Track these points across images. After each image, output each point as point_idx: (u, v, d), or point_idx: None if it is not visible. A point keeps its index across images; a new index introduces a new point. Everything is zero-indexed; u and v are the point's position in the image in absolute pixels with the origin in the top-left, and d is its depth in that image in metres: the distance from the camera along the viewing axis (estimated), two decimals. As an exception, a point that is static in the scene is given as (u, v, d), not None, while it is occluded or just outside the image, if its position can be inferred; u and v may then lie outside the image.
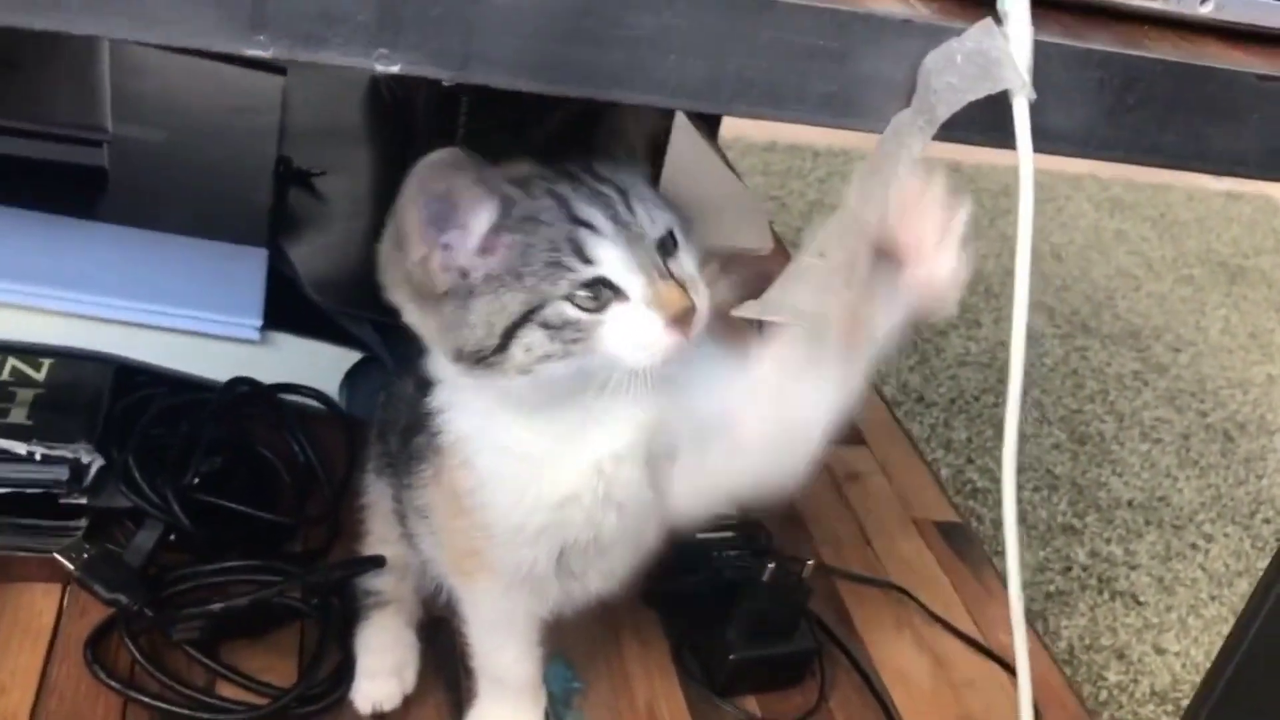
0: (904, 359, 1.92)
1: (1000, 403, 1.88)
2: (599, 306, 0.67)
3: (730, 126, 2.16)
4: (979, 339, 2.05)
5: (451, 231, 0.67)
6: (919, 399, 1.84)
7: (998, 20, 0.54)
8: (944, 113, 0.55)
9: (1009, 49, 0.53)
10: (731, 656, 0.95)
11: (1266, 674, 0.81)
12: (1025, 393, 1.90)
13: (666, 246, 0.70)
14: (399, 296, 0.71)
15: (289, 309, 1.07)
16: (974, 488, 1.67)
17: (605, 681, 0.96)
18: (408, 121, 1.36)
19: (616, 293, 0.67)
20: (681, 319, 0.67)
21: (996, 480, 1.70)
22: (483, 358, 0.69)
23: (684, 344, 0.68)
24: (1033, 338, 2.08)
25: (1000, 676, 1.04)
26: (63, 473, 0.92)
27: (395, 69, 0.50)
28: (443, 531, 0.82)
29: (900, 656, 1.04)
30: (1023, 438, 1.78)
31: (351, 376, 1.08)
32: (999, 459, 1.72)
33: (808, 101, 0.55)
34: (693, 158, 1.56)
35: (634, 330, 0.67)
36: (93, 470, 0.94)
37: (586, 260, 0.67)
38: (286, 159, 1.25)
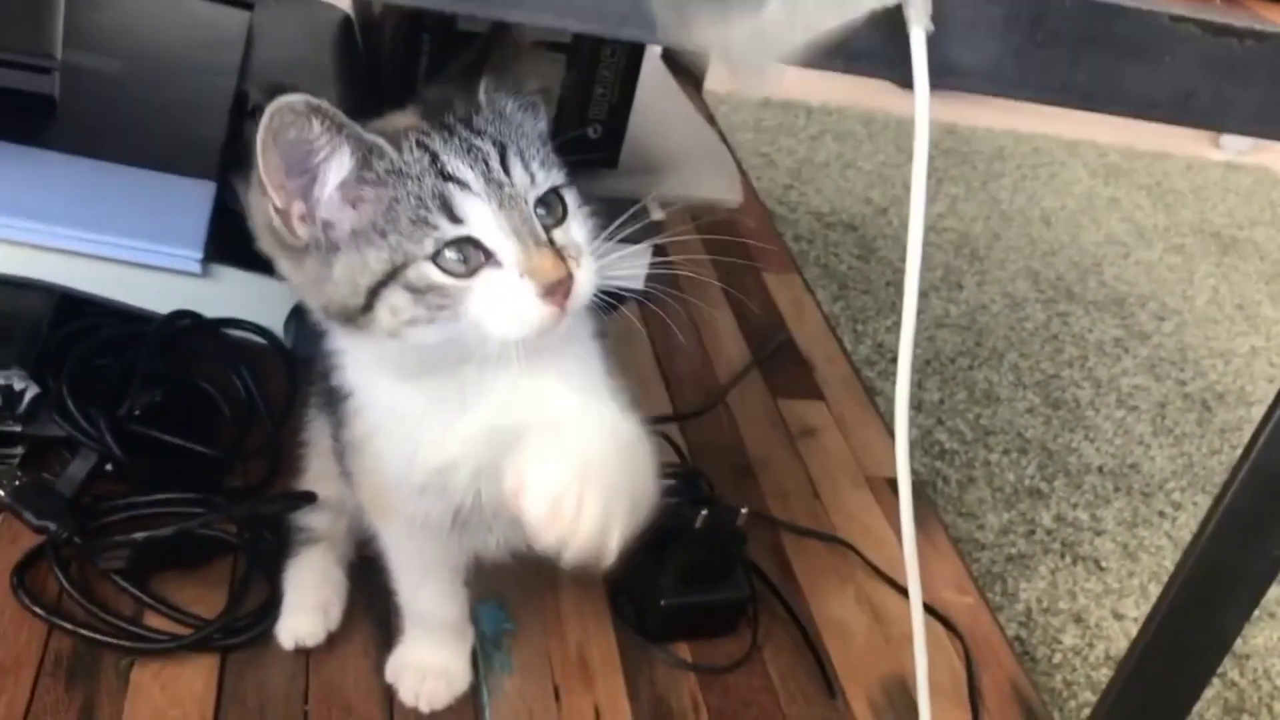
0: (882, 319, 1.91)
1: (975, 365, 1.87)
2: (468, 271, 0.64)
3: (721, 81, 2.13)
4: (959, 301, 2.03)
5: (307, 180, 0.64)
6: (893, 359, 1.82)
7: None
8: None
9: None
10: (662, 602, 0.94)
11: (1193, 624, 0.80)
12: (1002, 356, 1.90)
13: (553, 209, 0.67)
14: (265, 246, 0.68)
15: (236, 244, 1.06)
16: (941, 449, 1.66)
17: (538, 623, 0.95)
18: (374, 59, 1.35)
19: (488, 257, 0.65)
20: (556, 290, 0.64)
21: (965, 442, 1.70)
22: (350, 317, 0.66)
23: (559, 317, 0.65)
24: (1015, 302, 2.07)
25: (939, 634, 1.04)
26: (-5, 399, 0.92)
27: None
28: (355, 471, 0.81)
29: (839, 609, 1.04)
30: (996, 400, 1.78)
31: (297, 313, 1.07)
32: (970, 421, 1.72)
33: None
34: (664, 104, 1.54)
35: (504, 299, 0.64)
36: (27, 397, 0.94)
37: (454, 219, 0.64)
38: (245, 93, 1.23)
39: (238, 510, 0.92)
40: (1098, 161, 2.71)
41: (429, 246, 0.64)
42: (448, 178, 0.65)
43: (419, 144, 0.66)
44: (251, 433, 1.03)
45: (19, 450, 0.95)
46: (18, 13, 1.12)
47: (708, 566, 0.96)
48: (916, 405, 1.73)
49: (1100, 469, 1.71)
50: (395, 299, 0.65)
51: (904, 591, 1.07)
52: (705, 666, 0.95)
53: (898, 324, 2.01)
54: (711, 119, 1.82)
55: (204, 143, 1.14)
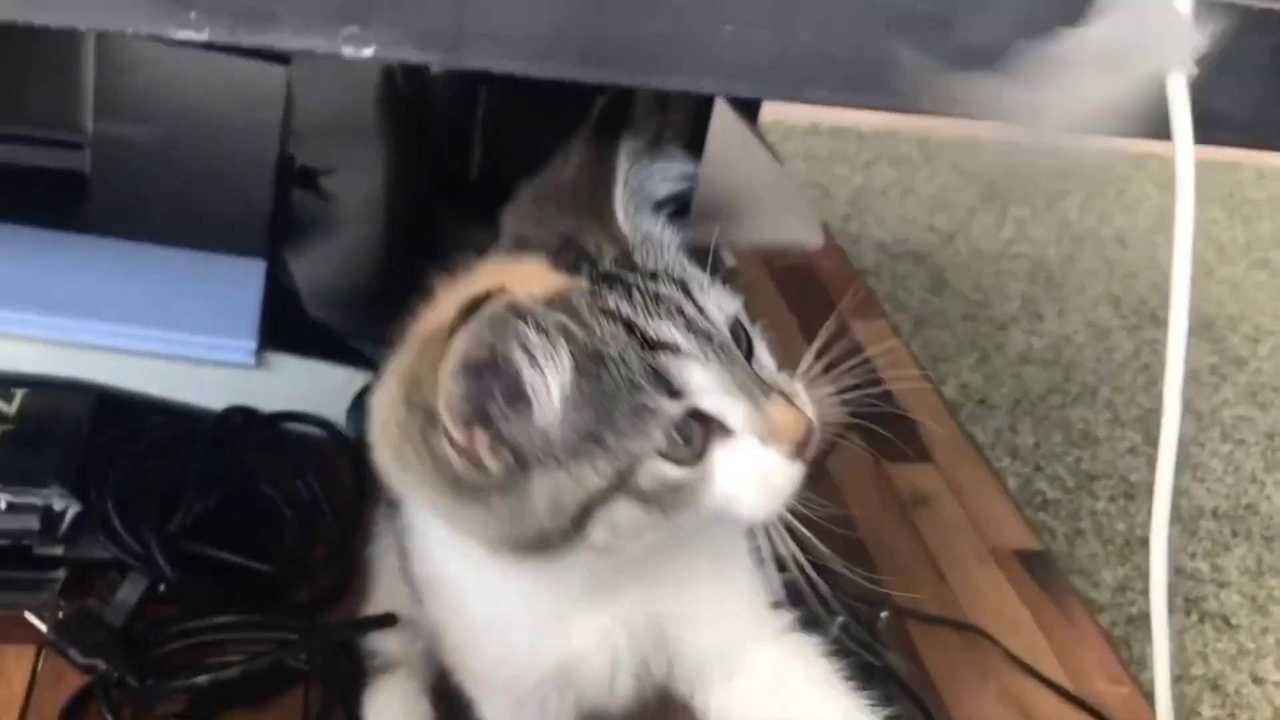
0: (963, 357, 1.80)
1: (1067, 403, 1.75)
2: (695, 453, 0.51)
3: (769, 110, 2.03)
4: (1042, 333, 1.91)
5: (504, 403, 0.50)
6: (980, 401, 1.71)
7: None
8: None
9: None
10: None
11: None
12: (1095, 391, 1.78)
13: (740, 341, 0.54)
14: (424, 490, 0.53)
15: (290, 327, 0.96)
16: (1044, 499, 1.54)
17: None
18: (422, 115, 1.25)
19: (709, 427, 0.52)
20: (804, 444, 0.52)
21: (1068, 490, 1.58)
22: (546, 544, 0.52)
23: (803, 473, 0.53)
24: (1100, 331, 1.95)
25: (1095, 733, 0.92)
26: (33, 521, 0.83)
27: (368, 52, 0.38)
28: (441, 643, 0.69)
29: (984, 710, 0.92)
30: (1094, 441, 1.66)
31: (360, 400, 0.97)
32: (1070, 465, 1.60)
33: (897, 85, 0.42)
34: (734, 146, 1.44)
35: (754, 474, 0.52)
36: (68, 518, 0.84)
37: (674, 393, 0.51)
38: (289, 158, 1.13)
39: (309, 637, 0.81)
40: (1165, 175, 2.57)
41: (657, 438, 0.51)
42: (653, 345, 0.51)
43: (604, 312, 0.52)
44: (317, 539, 0.92)
45: (60, 575, 0.84)
46: (43, 83, 1.02)
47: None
48: (1010, 451, 1.61)
49: (1215, 512, 1.58)
50: (619, 514, 0.51)
51: (1049, 683, 0.96)
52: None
53: (981, 362, 1.89)
54: (775, 153, 1.72)
55: (249, 215, 1.04)
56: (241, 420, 0.94)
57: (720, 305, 0.54)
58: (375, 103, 1.36)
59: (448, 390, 0.48)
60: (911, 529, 1.09)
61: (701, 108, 1.23)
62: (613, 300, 0.52)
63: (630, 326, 0.51)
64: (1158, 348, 1.94)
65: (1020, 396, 1.74)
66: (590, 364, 0.50)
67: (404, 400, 0.50)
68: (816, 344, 0.56)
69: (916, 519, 1.11)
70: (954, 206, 2.27)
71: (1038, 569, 1.07)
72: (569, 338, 0.50)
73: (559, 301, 0.52)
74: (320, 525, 0.93)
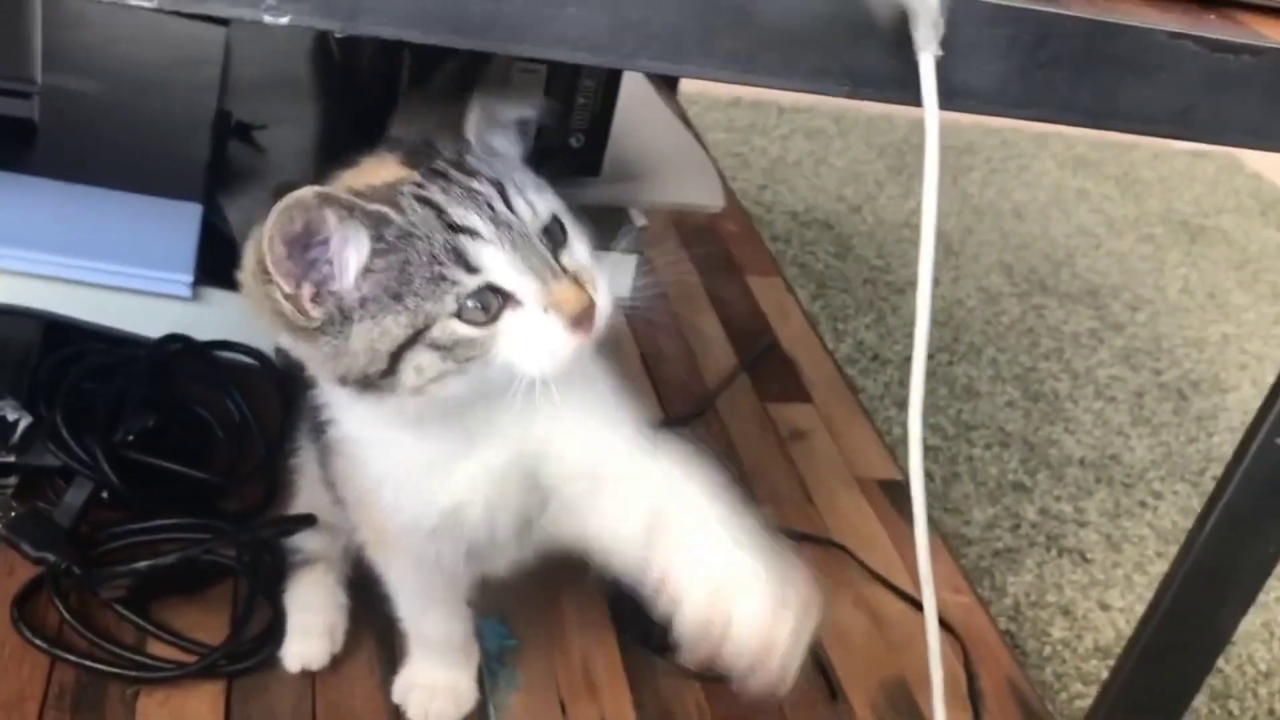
0: (861, 317, 1.93)
1: (954, 360, 1.89)
2: (490, 318, 0.63)
3: (692, 82, 2.14)
4: (935, 296, 2.04)
5: (321, 266, 0.63)
6: (874, 357, 1.84)
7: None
8: None
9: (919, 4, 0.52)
10: (665, 613, 0.95)
11: (1189, 622, 0.82)
12: (980, 351, 1.92)
13: (555, 236, 0.67)
14: (272, 329, 0.66)
15: (224, 265, 1.05)
16: (925, 445, 1.67)
17: (541, 638, 0.96)
18: (352, 74, 1.34)
19: (507, 299, 0.64)
20: (581, 318, 0.64)
21: (948, 437, 1.71)
22: (370, 382, 0.65)
23: (587, 344, 0.65)
24: (990, 296, 2.09)
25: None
26: (-12, 430, 0.92)
27: (284, 20, 0.49)
28: (353, 512, 0.81)
29: (838, 614, 1.05)
30: (976, 395, 1.80)
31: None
32: (951, 416, 1.74)
33: (715, 55, 0.54)
34: (645, 111, 1.55)
35: (534, 338, 0.64)
36: (20, 427, 0.93)
37: (471, 269, 0.63)
38: (226, 113, 1.23)
39: (238, 535, 0.92)
40: (1066, 153, 2.73)
41: (450, 304, 0.63)
42: (457, 229, 0.63)
43: (419, 199, 0.64)
44: (246, 455, 1.03)
45: (13, 481, 0.94)
46: (-5, 37, 1.11)
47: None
48: (898, 403, 1.74)
49: (1081, 461, 1.73)
50: (420, 359, 0.63)
51: (901, 593, 1.08)
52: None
53: (878, 322, 2.02)
54: (688, 122, 1.83)
55: (188, 164, 1.13)
56: (178, 347, 1.03)
57: (534, 207, 0.66)
58: (308, 64, 1.46)
59: (271, 252, 0.61)
60: (788, 460, 1.22)
61: (613, 73, 1.34)
62: (433, 190, 0.64)
63: (440, 212, 0.63)
64: (1044, 312, 2.08)
65: (910, 354, 1.87)
66: (396, 240, 0.63)
67: (254, 255, 0.63)
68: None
69: (793, 451, 1.23)
70: (863, 178, 2.40)
71: (897, 496, 1.20)
72: (370, 221, 0.62)
73: (384, 189, 0.64)
74: (249, 443, 1.03)
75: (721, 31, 0.52)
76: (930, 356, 1.88)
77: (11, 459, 0.93)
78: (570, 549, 0.77)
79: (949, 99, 0.55)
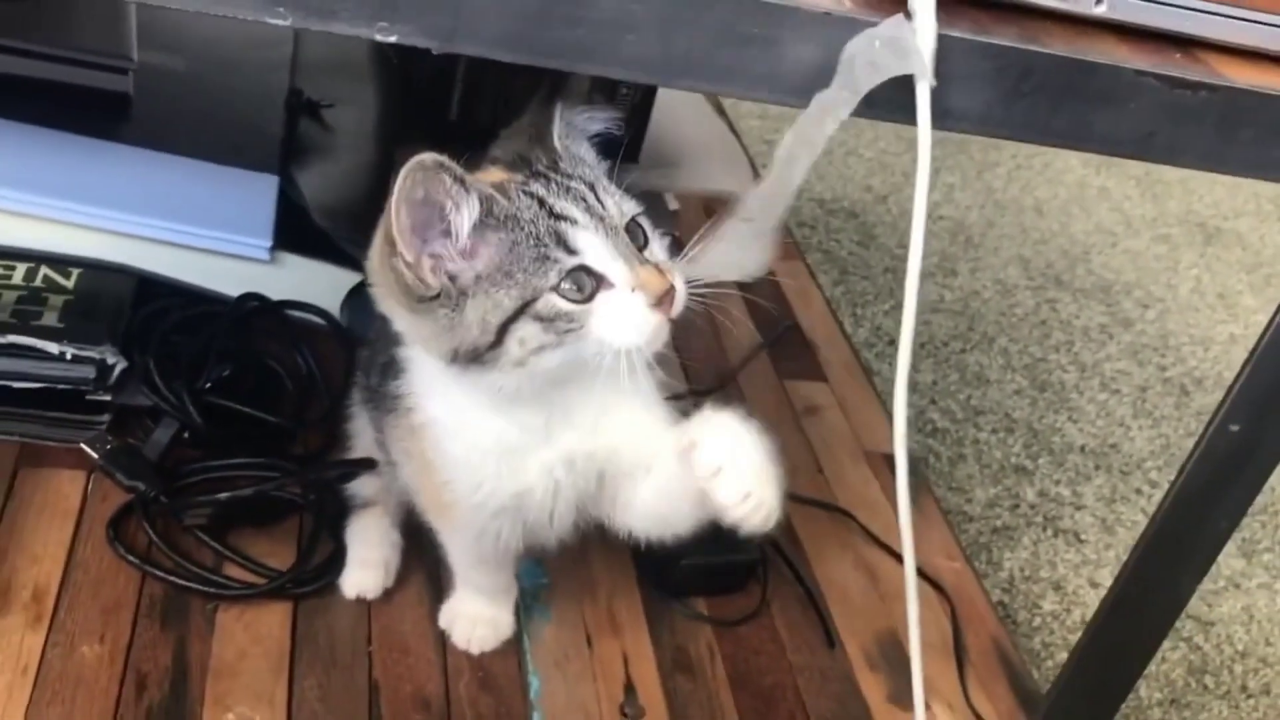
0: (880, 304, 2.02)
1: (967, 349, 1.98)
2: (585, 296, 0.73)
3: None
4: (953, 287, 2.14)
5: (438, 234, 0.72)
6: (890, 342, 1.93)
7: (908, 16, 0.63)
8: (864, 87, 0.64)
9: (915, 41, 0.62)
10: (683, 562, 1.05)
11: (1154, 583, 0.91)
12: (993, 340, 2.01)
13: (635, 234, 0.76)
14: (390, 302, 0.76)
15: (297, 232, 1.17)
16: (934, 427, 1.77)
17: (571, 580, 1.07)
18: (412, 64, 1.45)
19: (600, 280, 0.73)
20: (663, 299, 0.73)
21: (956, 421, 1.81)
22: (478, 355, 0.74)
23: (667, 323, 0.75)
24: (1006, 288, 2.18)
25: (930, 596, 1.15)
26: (90, 371, 1.03)
27: (393, 39, 0.59)
28: (416, 482, 0.91)
29: (839, 572, 1.15)
30: (986, 382, 1.90)
31: (352, 297, 1.19)
32: (961, 401, 1.84)
33: (745, 79, 0.64)
34: (679, 100, 1.64)
35: (623, 313, 0.73)
36: (116, 371, 1.04)
37: (570, 250, 0.72)
38: (298, 91, 1.34)
39: (309, 474, 1.03)
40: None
41: (553, 278, 0.72)
42: (558, 217, 0.73)
43: (524, 192, 0.74)
44: (311, 405, 1.14)
45: (106, 418, 1.05)
46: (96, 16, 1.21)
47: (723, 531, 1.07)
48: (911, 386, 1.84)
49: (1082, 448, 1.82)
50: (525, 331, 0.72)
51: (898, 557, 1.18)
52: (720, 619, 1.06)
53: (896, 308, 2.13)
54: (722, 109, 1.92)
55: (263, 138, 1.24)
56: (255, 305, 1.14)
57: (620, 205, 0.76)
58: (372, 50, 1.56)
59: (395, 218, 0.69)
60: (800, 433, 1.32)
61: (645, 99, 1.43)
62: (535, 186, 0.75)
63: (543, 203, 0.74)
64: (1057, 306, 2.18)
65: (926, 340, 1.97)
66: (504, 220, 0.73)
67: (382, 236, 0.73)
68: (697, 236, 0.78)
69: (805, 425, 1.33)
70: (891, 169, 2.48)
71: (901, 470, 1.29)
72: (481, 196, 0.71)
73: (497, 184, 0.74)
74: (315, 394, 1.15)
75: (755, 59, 0.62)
76: (944, 344, 1.97)
77: (108, 398, 1.04)
78: (625, 528, 0.89)
79: (943, 120, 0.65)
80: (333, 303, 1.18)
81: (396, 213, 0.70)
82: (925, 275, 2.14)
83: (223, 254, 1.13)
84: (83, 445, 1.02)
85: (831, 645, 1.07)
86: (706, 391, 1.34)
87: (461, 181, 0.71)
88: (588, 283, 0.73)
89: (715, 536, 1.06)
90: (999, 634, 1.14)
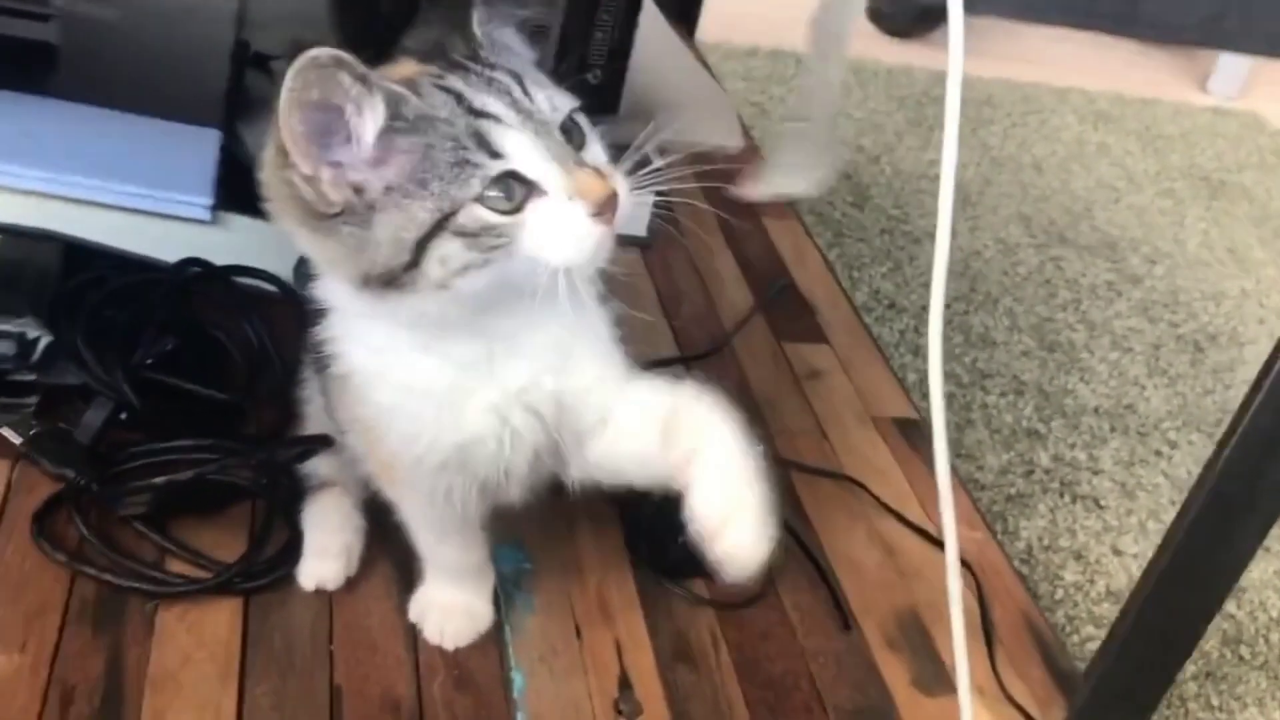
0: (878, 266, 1.92)
1: (970, 310, 1.88)
2: (514, 206, 0.63)
3: (711, 31, 2.12)
4: (953, 247, 2.01)
5: (338, 142, 0.62)
6: (890, 305, 1.83)
7: None
8: None
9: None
10: (681, 539, 0.95)
11: (1195, 569, 0.82)
12: (997, 301, 1.91)
13: (573, 134, 0.66)
14: (288, 220, 0.65)
15: (243, 190, 1.05)
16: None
17: (556, 563, 0.96)
18: (368, 11, 1.33)
19: (531, 188, 0.63)
20: (605, 207, 0.64)
21: (963, 385, 1.71)
22: (393, 278, 0.64)
23: (610, 235, 0.65)
24: (1008, 247, 2.08)
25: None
26: (10, 347, 0.92)
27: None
28: (358, 445, 0.81)
29: (851, 545, 1.05)
30: (992, 344, 1.79)
31: (305, 259, 1.07)
32: (966, 364, 1.73)
33: None
34: (663, 52, 1.54)
35: (559, 225, 0.63)
36: (40, 346, 0.93)
37: (494, 154, 0.62)
38: (244, 43, 1.23)
39: (256, 456, 0.92)
40: (1087, 108, 2.71)
41: (475, 187, 0.62)
42: (479, 114, 0.63)
43: (439, 87, 0.64)
44: (263, 380, 1.03)
45: (33, 399, 0.95)
46: (14, -41, 1.10)
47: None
48: (913, 350, 1.74)
49: (1096, 410, 1.72)
50: (445, 248, 0.63)
51: (914, 527, 1.09)
52: (723, 602, 0.96)
53: (894, 270, 2.01)
54: (707, 67, 1.82)
55: (206, 90, 1.13)
56: (197, 271, 1.04)
57: (553, 101, 0.66)
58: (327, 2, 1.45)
59: (287, 125, 0.60)
60: (803, 398, 1.22)
61: (630, 8, 1.33)
62: (452, 80, 0.64)
63: (460, 99, 0.63)
64: (1061, 264, 2.07)
65: (927, 303, 1.86)
66: (416, 120, 0.62)
67: (273, 145, 0.63)
68: (631, 153, 0.68)
69: (808, 390, 1.23)
70: (882, 129, 2.38)
71: (912, 434, 1.20)
72: (387, 95, 0.61)
73: (407, 79, 0.64)
74: (266, 368, 1.04)
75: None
76: (947, 305, 1.86)
77: (32, 377, 0.94)
78: (580, 479, 0.79)
79: (975, 5, 0.55)
80: (284, 266, 1.07)
81: (287, 118, 0.60)
82: (924, 236, 2.04)
83: (159, 215, 1.02)
84: (4, 430, 0.92)
85: (847, 627, 0.97)
86: (699, 356, 1.24)
87: (363, 80, 0.61)
88: (517, 190, 0.63)
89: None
90: (1029, 609, 1.04)
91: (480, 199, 0.62)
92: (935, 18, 2.95)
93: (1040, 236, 2.14)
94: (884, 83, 2.57)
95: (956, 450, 1.57)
